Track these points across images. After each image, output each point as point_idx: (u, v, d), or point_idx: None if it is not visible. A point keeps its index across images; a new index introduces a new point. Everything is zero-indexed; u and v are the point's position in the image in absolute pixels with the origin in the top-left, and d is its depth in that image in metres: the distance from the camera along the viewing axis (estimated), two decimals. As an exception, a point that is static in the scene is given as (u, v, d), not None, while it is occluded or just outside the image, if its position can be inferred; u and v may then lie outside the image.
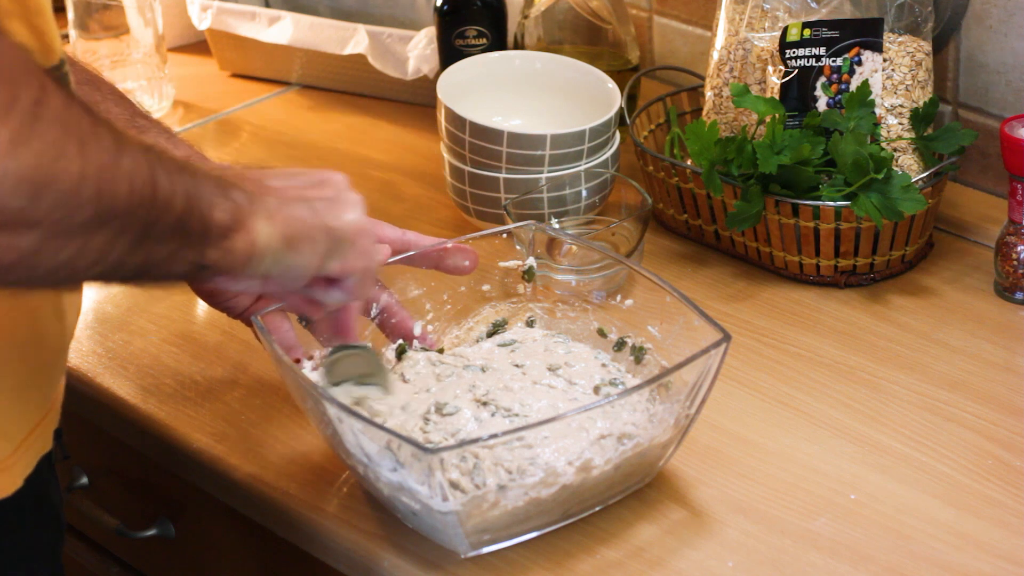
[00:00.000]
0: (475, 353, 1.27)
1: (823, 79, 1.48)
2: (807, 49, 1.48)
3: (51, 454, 1.14)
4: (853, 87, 1.47)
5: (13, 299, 1.03)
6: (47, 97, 0.84)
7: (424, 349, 1.28)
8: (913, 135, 1.48)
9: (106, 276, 0.94)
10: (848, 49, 1.47)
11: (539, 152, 1.49)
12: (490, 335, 1.31)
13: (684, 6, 1.80)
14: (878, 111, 1.47)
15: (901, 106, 1.48)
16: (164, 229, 0.94)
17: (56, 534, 1.17)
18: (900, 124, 1.48)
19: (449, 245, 1.28)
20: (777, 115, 1.46)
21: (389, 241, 1.27)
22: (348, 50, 1.82)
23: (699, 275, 1.51)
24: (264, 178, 1.07)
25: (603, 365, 1.27)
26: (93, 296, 1.49)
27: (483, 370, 1.24)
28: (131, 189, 0.90)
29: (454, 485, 1.11)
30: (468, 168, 1.52)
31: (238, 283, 1.05)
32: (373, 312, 1.28)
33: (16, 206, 0.83)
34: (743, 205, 1.44)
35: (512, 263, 1.33)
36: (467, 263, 1.28)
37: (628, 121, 1.59)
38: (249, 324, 1.27)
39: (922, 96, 1.49)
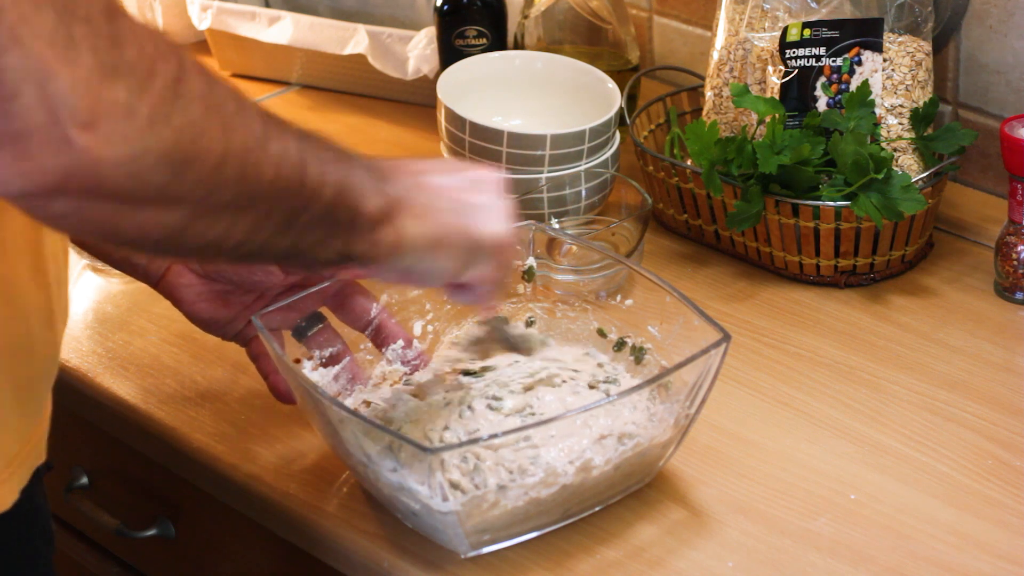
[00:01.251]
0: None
1: (823, 79, 1.48)
2: (807, 49, 1.48)
3: (43, 466, 1.13)
4: (853, 87, 1.47)
5: (4, 308, 1.03)
6: (187, 76, 0.84)
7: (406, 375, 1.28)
8: (913, 135, 1.48)
9: (255, 257, 0.95)
10: (848, 49, 1.47)
11: (539, 152, 1.49)
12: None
13: (684, 6, 1.80)
14: (878, 111, 1.47)
15: (901, 106, 1.48)
16: (312, 217, 0.94)
17: (48, 545, 1.16)
18: (900, 124, 1.48)
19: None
20: (777, 115, 1.46)
21: None
22: (348, 50, 1.82)
23: (699, 275, 1.51)
24: (420, 172, 1.07)
25: (599, 365, 1.27)
26: (93, 296, 1.49)
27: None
28: (277, 174, 0.90)
29: (454, 485, 1.11)
30: (468, 168, 1.52)
31: (379, 275, 1.07)
32: (368, 330, 1.28)
33: (158, 182, 0.83)
34: (743, 205, 1.44)
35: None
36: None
37: (628, 121, 1.59)
38: (243, 344, 1.27)
39: (922, 96, 1.49)
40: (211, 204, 0.87)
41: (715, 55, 1.57)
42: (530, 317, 1.32)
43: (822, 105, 1.48)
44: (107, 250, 1.28)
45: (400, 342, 1.29)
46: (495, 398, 1.21)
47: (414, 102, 1.85)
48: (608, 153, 1.54)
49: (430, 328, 1.31)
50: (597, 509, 1.19)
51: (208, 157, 0.85)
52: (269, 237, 0.93)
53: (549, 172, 1.50)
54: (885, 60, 1.48)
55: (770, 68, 1.51)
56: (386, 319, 1.27)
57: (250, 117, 0.89)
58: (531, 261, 1.32)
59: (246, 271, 1.23)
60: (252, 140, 0.89)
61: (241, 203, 0.89)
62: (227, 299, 1.24)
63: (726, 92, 1.55)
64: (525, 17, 1.74)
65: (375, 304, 1.27)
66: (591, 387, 1.24)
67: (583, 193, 1.50)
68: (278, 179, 0.91)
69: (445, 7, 1.71)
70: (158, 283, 1.25)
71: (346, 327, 1.27)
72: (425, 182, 1.06)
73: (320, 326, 1.26)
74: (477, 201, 1.08)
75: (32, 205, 0.83)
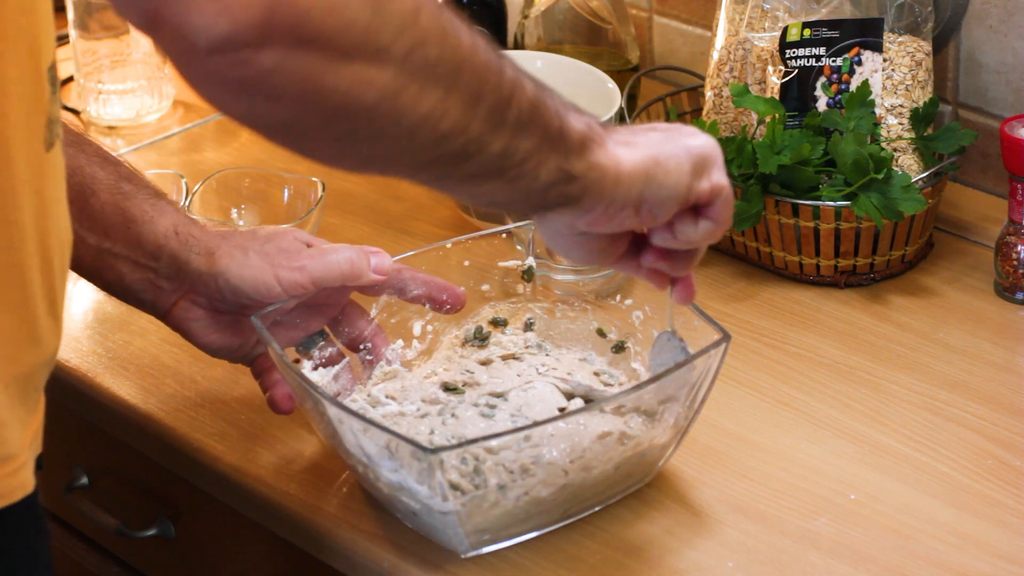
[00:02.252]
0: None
1: (823, 79, 1.48)
2: (807, 49, 1.48)
3: (40, 456, 1.13)
4: (853, 87, 1.47)
5: (14, 293, 1.03)
6: None
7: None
8: (913, 135, 1.48)
9: (472, 159, 0.90)
10: (848, 49, 1.47)
11: (539, 152, 1.49)
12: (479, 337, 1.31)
13: (684, 6, 1.80)
14: (878, 111, 1.47)
15: (901, 106, 1.48)
16: (520, 112, 0.91)
17: (47, 537, 1.16)
18: (900, 124, 1.48)
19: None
20: (777, 115, 1.46)
21: (384, 272, 1.25)
22: (348, 50, 1.82)
23: (699, 275, 1.50)
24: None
25: (596, 374, 1.27)
26: (93, 296, 1.49)
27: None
28: (474, 46, 0.87)
29: (454, 485, 1.11)
30: (468, 168, 1.52)
31: (612, 215, 1.01)
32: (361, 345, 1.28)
33: (362, 20, 0.81)
34: (743, 205, 1.44)
35: (512, 263, 1.33)
36: (449, 305, 1.27)
37: (628, 121, 1.59)
38: (248, 364, 1.26)
39: (922, 96, 1.49)
40: (418, 63, 0.84)
41: (715, 55, 1.57)
42: (529, 318, 1.32)
43: (822, 105, 1.48)
44: (118, 278, 1.24)
45: (400, 342, 1.29)
46: (488, 406, 1.22)
47: (414, 102, 1.85)
48: (608, 153, 1.53)
49: (430, 328, 1.31)
50: (597, 509, 1.19)
51: (404, 0, 0.83)
52: (482, 130, 0.89)
53: (549, 172, 1.50)
54: (885, 60, 1.48)
55: (770, 68, 1.51)
56: (378, 337, 1.28)
57: None
58: (531, 261, 1.32)
59: (258, 296, 1.22)
60: (438, 3, 0.86)
61: (446, 70, 0.86)
62: (236, 327, 1.24)
63: (726, 92, 1.55)
64: (525, 17, 1.74)
65: (369, 319, 1.27)
66: (569, 396, 1.24)
67: (583, 193, 1.50)
68: (476, 52, 0.87)
69: (445, 7, 1.71)
70: (165, 316, 1.24)
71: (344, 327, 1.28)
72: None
73: (322, 342, 1.27)
74: (661, 128, 1.05)
75: (239, 59, 0.80)
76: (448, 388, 1.24)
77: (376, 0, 0.82)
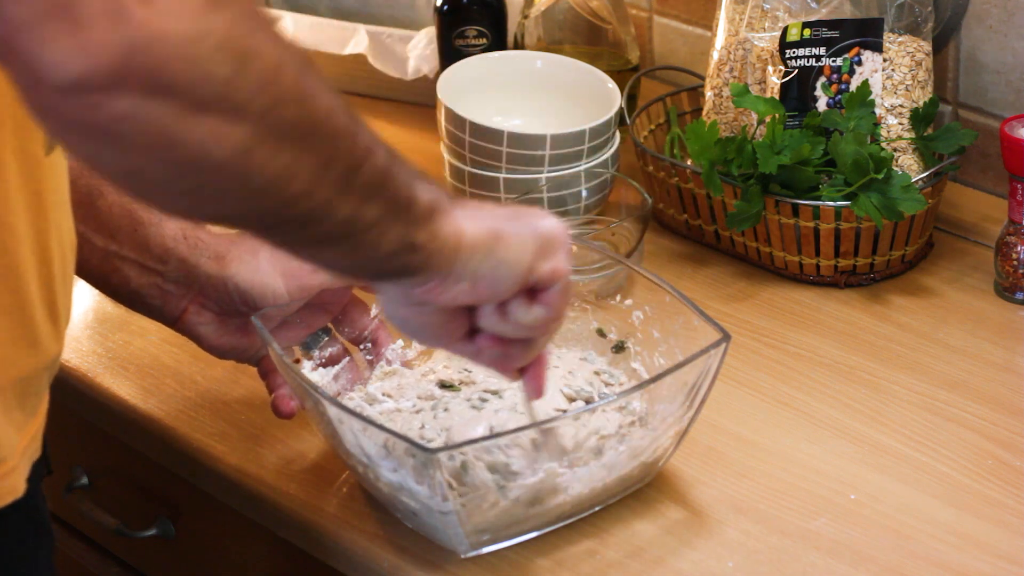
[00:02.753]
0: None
1: (823, 79, 1.48)
2: (807, 49, 1.48)
3: (40, 461, 1.13)
4: (853, 87, 1.47)
5: (7, 297, 1.02)
6: None
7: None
8: (913, 135, 1.48)
9: (317, 223, 0.88)
10: (848, 49, 1.47)
11: (539, 152, 1.49)
12: None
13: (684, 6, 1.80)
14: (878, 111, 1.47)
15: (901, 106, 1.48)
16: (370, 180, 0.89)
17: (49, 542, 1.16)
18: (900, 124, 1.48)
19: None
20: (777, 115, 1.46)
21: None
22: (348, 50, 1.82)
23: (699, 275, 1.51)
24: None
25: (596, 373, 1.27)
26: (93, 296, 1.49)
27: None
28: (331, 109, 0.86)
29: (453, 485, 1.11)
30: (468, 168, 1.52)
31: (448, 287, 0.98)
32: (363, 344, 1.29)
33: (221, 74, 0.78)
34: (743, 205, 1.44)
35: (512, 263, 1.33)
36: None
37: (628, 121, 1.59)
38: (255, 364, 1.26)
39: (922, 96, 1.49)
40: (274, 122, 0.82)
41: (715, 55, 1.57)
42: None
43: (822, 105, 1.48)
44: (127, 282, 1.24)
45: (400, 342, 1.29)
46: (480, 399, 1.22)
47: (414, 102, 1.85)
48: (608, 153, 1.54)
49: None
50: (597, 509, 1.19)
51: (267, 57, 0.80)
52: (330, 196, 0.87)
53: (549, 172, 1.50)
54: (885, 60, 1.48)
55: (770, 68, 1.51)
56: (381, 333, 1.28)
57: (296, 52, 0.85)
58: (531, 261, 1.32)
59: (268, 299, 1.21)
60: (302, 62, 0.84)
61: (301, 132, 0.84)
62: (246, 329, 1.24)
63: (726, 92, 1.55)
64: (525, 17, 1.74)
65: (371, 316, 1.27)
66: (570, 399, 1.24)
67: (583, 193, 1.50)
68: (332, 116, 0.86)
69: (445, 7, 1.71)
70: (175, 323, 1.24)
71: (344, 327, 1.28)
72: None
73: (326, 339, 1.27)
74: (520, 208, 1.04)
75: (90, 102, 0.76)
76: (444, 385, 1.24)
77: (239, 55, 0.79)
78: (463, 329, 1.05)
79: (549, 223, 1.03)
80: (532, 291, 1.03)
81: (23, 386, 1.05)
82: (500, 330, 1.04)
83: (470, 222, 0.97)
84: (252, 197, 0.84)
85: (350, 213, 0.89)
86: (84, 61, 0.74)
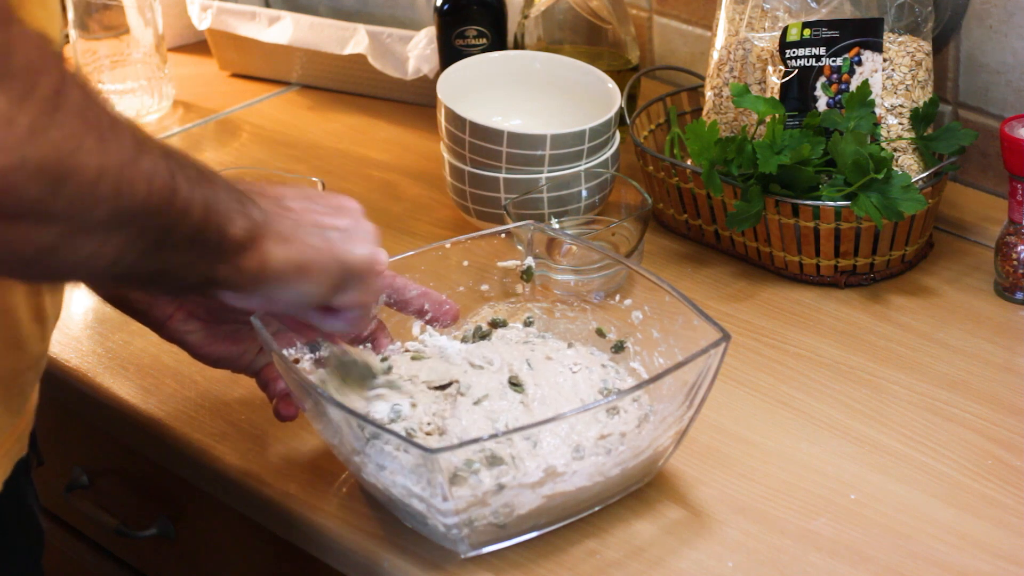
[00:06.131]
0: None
1: (823, 79, 1.48)
2: (807, 49, 1.48)
3: (27, 459, 1.13)
4: (853, 87, 1.47)
5: None
6: (67, 88, 0.83)
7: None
8: (913, 135, 1.48)
9: (122, 278, 0.94)
10: (848, 49, 1.47)
11: (539, 152, 1.49)
12: (483, 336, 1.30)
13: (684, 6, 1.80)
14: (878, 111, 1.47)
15: (901, 106, 1.48)
16: (181, 237, 0.93)
17: (36, 541, 1.16)
18: (900, 124, 1.49)
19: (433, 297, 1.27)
20: (777, 115, 1.46)
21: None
22: (348, 50, 1.82)
23: (699, 275, 1.51)
24: (282, 197, 1.06)
25: (603, 366, 1.27)
26: (93, 296, 1.49)
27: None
28: (150, 190, 0.89)
29: (453, 485, 1.11)
30: (468, 168, 1.52)
31: (243, 302, 1.04)
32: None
33: (35, 196, 0.81)
34: (743, 205, 1.44)
35: (511, 263, 1.33)
36: (447, 319, 1.28)
37: (628, 121, 1.60)
38: (253, 375, 1.26)
39: (922, 96, 1.49)
40: (85, 222, 0.85)
41: (715, 55, 1.57)
42: (528, 317, 1.33)
43: (822, 105, 1.48)
44: (109, 291, 1.25)
45: (399, 343, 1.29)
46: (481, 399, 1.22)
47: (414, 102, 1.85)
48: (608, 153, 1.54)
49: (429, 328, 1.31)
50: (597, 509, 1.19)
51: (85, 172, 0.84)
52: (138, 258, 0.91)
53: (549, 172, 1.50)
54: (885, 60, 1.48)
55: (770, 68, 1.51)
56: (380, 334, 1.27)
57: (123, 132, 0.88)
58: (530, 261, 1.32)
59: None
60: (126, 155, 0.87)
61: (115, 221, 0.87)
62: (235, 336, 1.23)
63: (726, 92, 1.55)
64: (525, 17, 1.74)
65: (372, 319, 1.27)
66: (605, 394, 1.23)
67: (583, 193, 1.50)
68: (151, 196, 0.89)
69: (445, 7, 1.71)
70: (162, 329, 1.23)
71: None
72: (289, 207, 1.05)
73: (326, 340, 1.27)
74: (341, 224, 1.07)
75: None
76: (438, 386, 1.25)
77: (55, 178, 0.82)
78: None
79: (361, 253, 1.07)
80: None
81: (6, 384, 1.05)
82: (306, 319, 1.12)
83: (280, 249, 1.01)
84: (57, 275, 0.94)
85: (158, 266, 0.94)
86: None
